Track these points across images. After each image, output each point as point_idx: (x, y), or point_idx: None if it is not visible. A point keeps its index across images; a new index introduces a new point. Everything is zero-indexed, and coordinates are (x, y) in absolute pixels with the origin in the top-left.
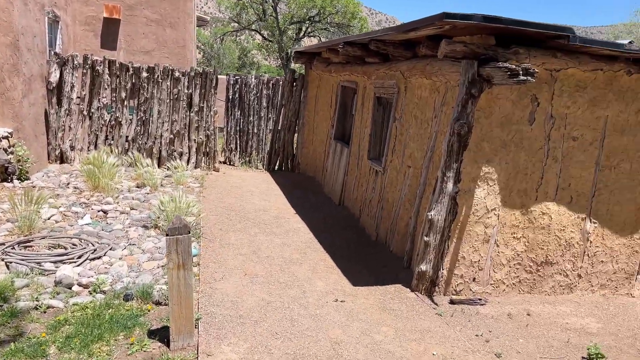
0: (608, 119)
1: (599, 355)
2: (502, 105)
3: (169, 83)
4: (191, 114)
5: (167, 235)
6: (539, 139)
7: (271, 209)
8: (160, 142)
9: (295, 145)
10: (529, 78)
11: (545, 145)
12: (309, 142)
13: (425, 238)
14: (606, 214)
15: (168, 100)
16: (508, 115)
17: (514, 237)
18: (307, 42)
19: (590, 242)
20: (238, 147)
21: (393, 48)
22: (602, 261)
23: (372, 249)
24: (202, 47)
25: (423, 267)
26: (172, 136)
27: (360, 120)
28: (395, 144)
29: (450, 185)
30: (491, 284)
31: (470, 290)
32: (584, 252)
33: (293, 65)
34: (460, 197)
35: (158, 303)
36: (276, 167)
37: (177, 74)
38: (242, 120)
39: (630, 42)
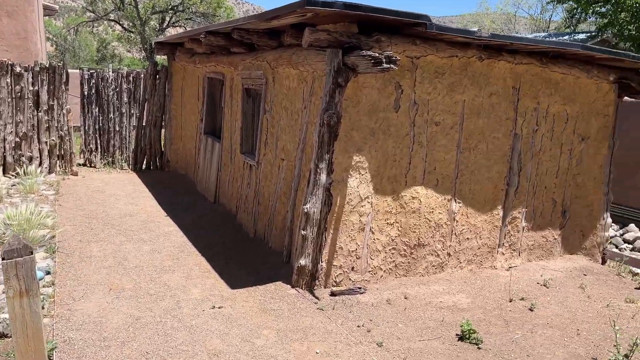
0: (465, 103)
1: (471, 331)
2: (368, 94)
3: (9, 80)
4: (39, 114)
5: (2, 259)
6: (405, 126)
7: (139, 213)
8: (4, 147)
9: (163, 142)
10: (392, 66)
11: (411, 131)
12: (178, 138)
13: (303, 232)
14: (469, 194)
15: (10, 99)
16: (375, 103)
17: (387, 223)
18: (172, 33)
19: (457, 221)
20: (99, 147)
21: (257, 37)
22: (467, 238)
23: (250, 246)
24: (54, 39)
25: (302, 261)
26: (18, 139)
27: (230, 113)
28: (268, 137)
29: (323, 177)
30: (369, 272)
31: (350, 279)
32: (452, 232)
33: (156, 57)
34: (334, 187)
35: (3, 335)
36: (144, 167)
37: (18, 69)
38: (101, 118)
39: (479, 30)
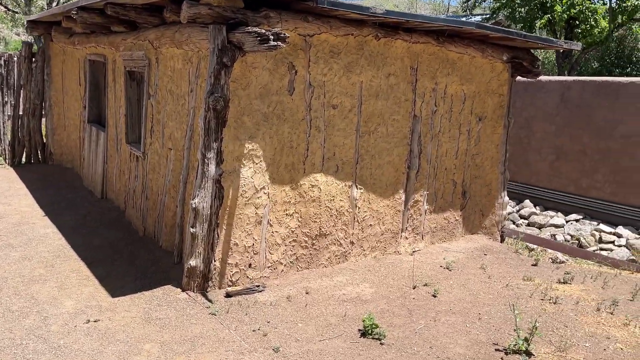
0: (363, 84)
1: (374, 326)
2: (259, 75)
3: None
4: None
5: None
6: (301, 109)
7: (11, 214)
8: None
9: (45, 133)
10: (280, 43)
11: (307, 115)
12: (61, 127)
13: (192, 229)
14: (370, 179)
15: None
16: (267, 85)
17: (286, 214)
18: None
19: (359, 208)
20: None
21: (136, 14)
22: (370, 225)
23: (139, 246)
24: None
25: (192, 262)
26: None
27: (113, 99)
28: (153, 124)
29: (212, 168)
30: (269, 267)
31: (248, 277)
32: (354, 219)
33: (28, 37)
34: (225, 179)
35: None
36: (23, 161)
37: None
38: None
39: (373, 7)
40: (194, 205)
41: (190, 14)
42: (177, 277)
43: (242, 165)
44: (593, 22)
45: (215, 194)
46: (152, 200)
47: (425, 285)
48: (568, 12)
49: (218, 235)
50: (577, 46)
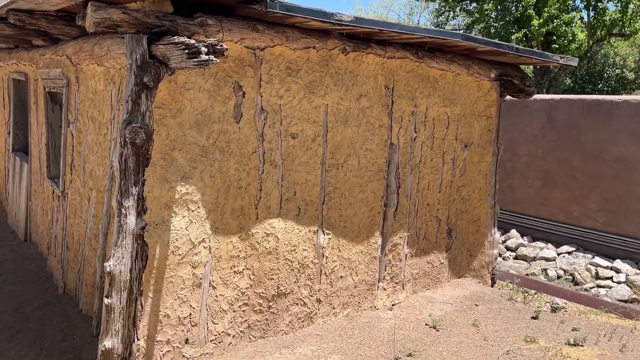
0: (329, 108)
1: None
2: (194, 99)
3: None
4: None
5: None
6: (251, 140)
7: None
8: None
9: None
10: (213, 58)
11: (260, 147)
12: None
13: (107, 300)
14: (339, 221)
15: None
16: (205, 111)
17: (234, 271)
18: None
19: (326, 257)
20: None
21: (48, 22)
22: (341, 277)
23: (55, 309)
24: None
25: (108, 343)
26: None
27: (36, 124)
28: (74, 157)
29: (132, 220)
30: (212, 341)
31: (184, 357)
32: (321, 271)
33: None
34: (150, 233)
35: None
36: None
37: None
38: None
39: (338, 13)
40: (108, 269)
41: (98, 20)
42: (92, 357)
43: (173, 214)
44: (570, 37)
45: (136, 254)
46: (73, 251)
47: (410, 355)
48: (545, 27)
49: (142, 305)
50: (573, 62)
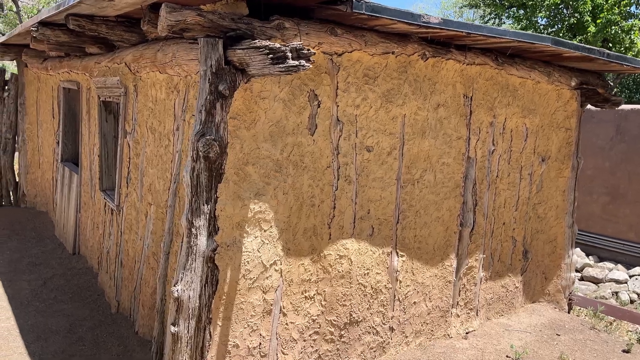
0: (406, 118)
1: None
2: (269, 109)
3: None
4: None
5: None
6: (326, 154)
7: None
8: None
9: (18, 171)
10: (303, 63)
11: (334, 161)
12: (36, 165)
13: (173, 328)
14: (414, 242)
15: None
16: (280, 122)
17: (305, 296)
18: None
19: (400, 282)
20: None
21: (108, 28)
22: (414, 303)
23: (108, 330)
24: None
25: None
26: None
27: (87, 135)
28: (131, 170)
29: (202, 241)
30: None
31: None
32: (394, 297)
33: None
34: (222, 255)
35: None
36: None
37: None
38: None
39: (425, 15)
40: (176, 294)
41: (172, 23)
42: None
43: (244, 235)
44: (627, 44)
45: (207, 278)
46: (128, 269)
47: None
48: (603, 33)
49: (211, 334)
50: None
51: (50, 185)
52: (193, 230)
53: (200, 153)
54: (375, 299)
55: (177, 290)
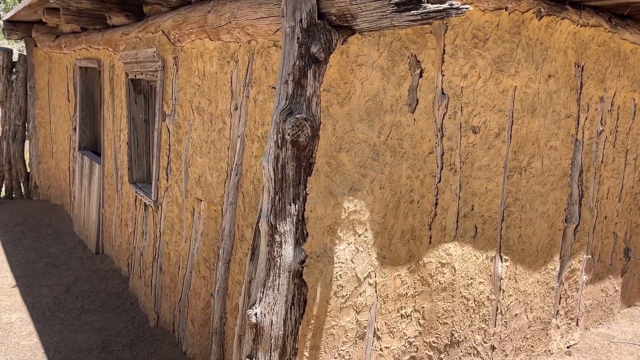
0: (516, 92)
1: None
2: (366, 79)
3: None
4: None
5: None
6: (428, 136)
7: None
8: None
9: (29, 161)
10: (459, 6)
11: (438, 145)
12: (48, 154)
13: None
14: (518, 243)
15: None
16: (377, 96)
17: (401, 314)
18: None
19: (503, 291)
20: None
21: None
22: (515, 315)
23: (149, 349)
24: None
25: None
26: None
27: (111, 119)
28: (171, 159)
29: (289, 251)
30: None
31: None
32: (497, 310)
33: (8, 43)
34: (310, 269)
35: None
36: (2, 195)
37: None
38: None
39: None
40: (254, 320)
41: None
42: None
43: (337, 241)
44: None
45: (293, 298)
46: (170, 275)
47: None
48: None
49: None
50: None
51: (65, 176)
52: (277, 237)
53: (287, 137)
54: (477, 313)
55: (256, 315)
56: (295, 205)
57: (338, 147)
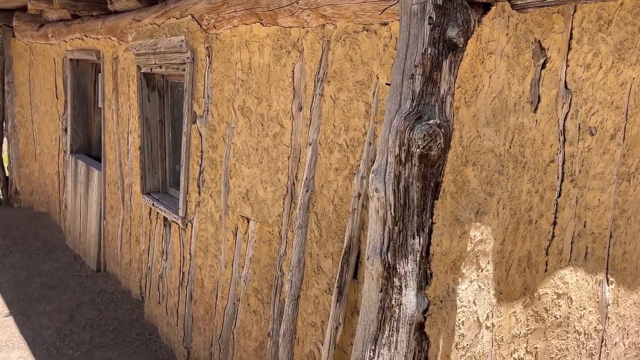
0: (633, 84)
1: None
2: (494, 71)
3: None
4: None
5: None
6: (549, 141)
7: None
8: None
9: (8, 164)
10: None
11: (560, 151)
12: (30, 156)
13: None
14: (621, 262)
15: None
16: (502, 92)
17: (514, 359)
18: None
19: (609, 319)
20: None
21: None
22: (615, 343)
23: None
24: None
25: None
26: None
27: (114, 120)
28: (205, 169)
29: (411, 298)
30: None
31: None
32: (602, 341)
33: None
34: (434, 319)
35: None
36: None
37: None
38: None
39: None
40: None
41: None
42: None
43: (460, 280)
44: None
45: (414, 357)
46: (204, 306)
47: None
48: None
49: None
50: None
51: (53, 181)
52: (395, 280)
53: (414, 150)
54: (584, 347)
55: None
56: (419, 237)
57: (464, 159)
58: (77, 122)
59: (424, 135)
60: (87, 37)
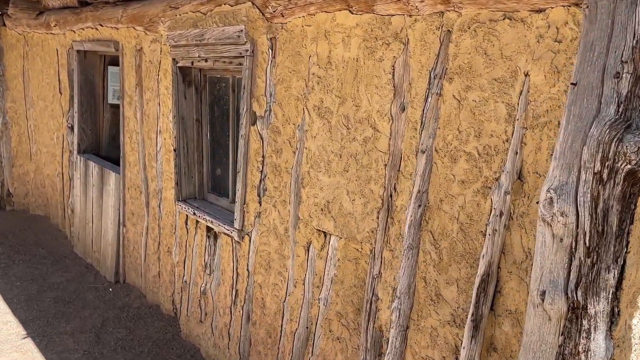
0: None
1: None
2: None
3: None
4: None
5: None
6: None
7: None
8: None
9: (1, 163)
10: None
11: None
12: (24, 156)
13: None
14: None
15: None
16: None
17: None
18: None
19: None
20: None
21: None
22: None
23: None
24: None
25: None
26: None
27: (138, 118)
28: (267, 176)
29: (600, 342)
30: None
31: None
32: None
33: None
34: None
35: None
36: None
37: None
38: None
39: None
40: None
41: None
42: None
43: (635, 314)
44: None
45: None
46: (266, 328)
47: None
48: None
49: None
50: None
51: (53, 183)
52: (584, 322)
53: (620, 166)
54: None
55: None
56: (614, 271)
57: None
58: (85, 119)
59: (638, 148)
60: (102, 26)
